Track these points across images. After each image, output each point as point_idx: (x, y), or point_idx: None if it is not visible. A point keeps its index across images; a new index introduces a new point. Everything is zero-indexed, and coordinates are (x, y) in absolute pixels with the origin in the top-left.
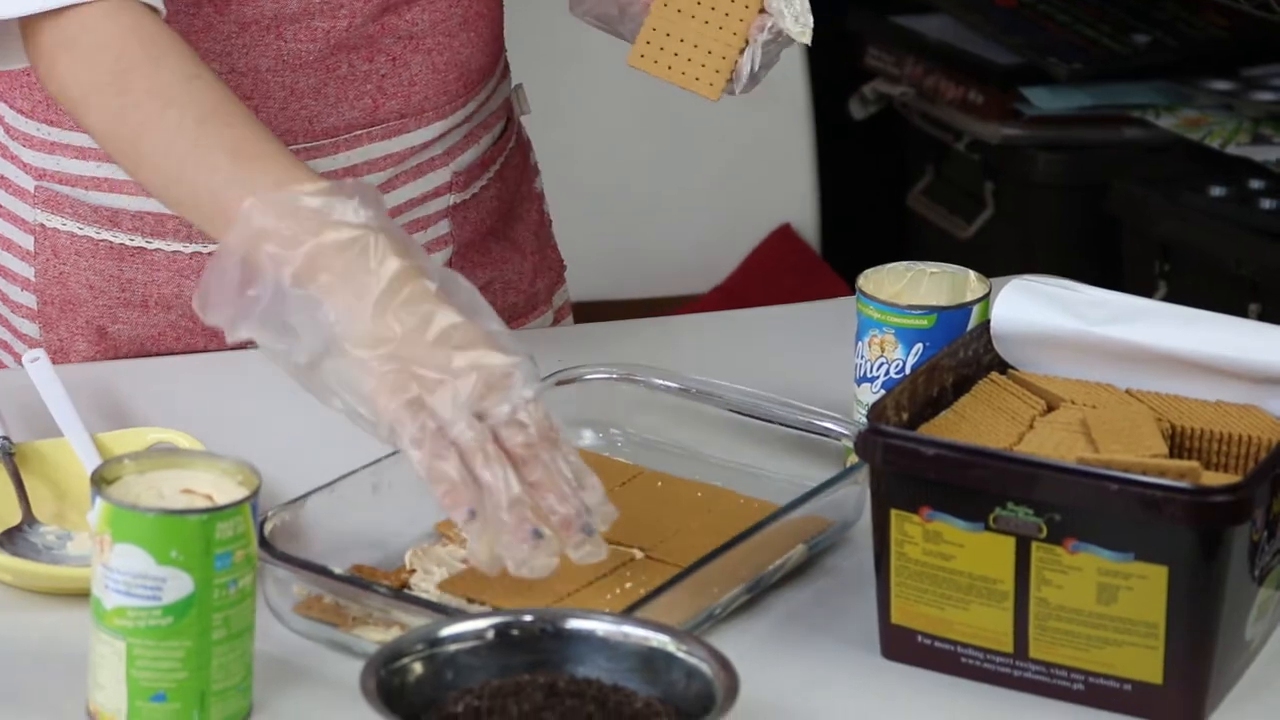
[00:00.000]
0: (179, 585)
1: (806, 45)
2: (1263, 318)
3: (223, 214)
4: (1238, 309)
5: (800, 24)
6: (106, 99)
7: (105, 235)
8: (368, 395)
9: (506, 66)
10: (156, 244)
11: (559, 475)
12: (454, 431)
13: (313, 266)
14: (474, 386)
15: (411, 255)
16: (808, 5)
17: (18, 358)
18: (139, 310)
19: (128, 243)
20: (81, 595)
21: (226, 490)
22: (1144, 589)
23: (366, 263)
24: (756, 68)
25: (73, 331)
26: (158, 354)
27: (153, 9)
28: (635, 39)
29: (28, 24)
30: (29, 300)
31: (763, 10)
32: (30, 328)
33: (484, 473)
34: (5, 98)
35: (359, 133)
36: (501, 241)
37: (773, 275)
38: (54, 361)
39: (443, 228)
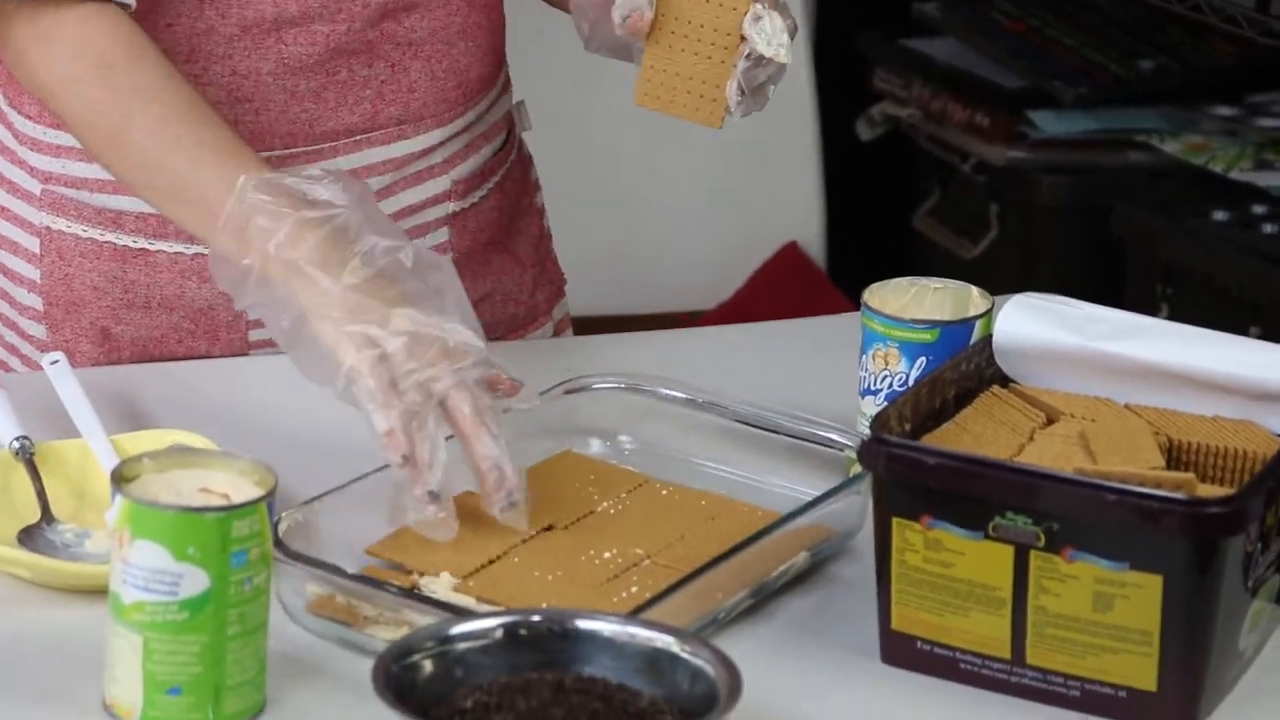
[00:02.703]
0: (195, 581)
1: (786, 63)
2: (1266, 340)
3: (205, 203)
4: (1239, 332)
5: (773, 46)
6: (89, 91)
7: (109, 237)
8: (331, 350)
9: (508, 81)
10: (159, 245)
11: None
12: (403, 385)
13: (294, 239)
14: (433, 350)
15: (389, 236)
16: (780, 26)
17: (26, 360)
18: (142, 311)
19: (130, 245)
20: (99, 591)
21: (243, 489)
22: (1140, 598)
23: (345, 237)
24: (746, 91)
25: (77, 333)
26: (161, 355)
27: (124, 6)
28: (637, 78)
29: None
30: (35, 302)
31: (744, 37)
32: (37, 329)
33: (420, 431)
34: (15, 103)
35: (359, 137)
36: (502, 254)
37: (779, 293)
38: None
39: (441, 235)
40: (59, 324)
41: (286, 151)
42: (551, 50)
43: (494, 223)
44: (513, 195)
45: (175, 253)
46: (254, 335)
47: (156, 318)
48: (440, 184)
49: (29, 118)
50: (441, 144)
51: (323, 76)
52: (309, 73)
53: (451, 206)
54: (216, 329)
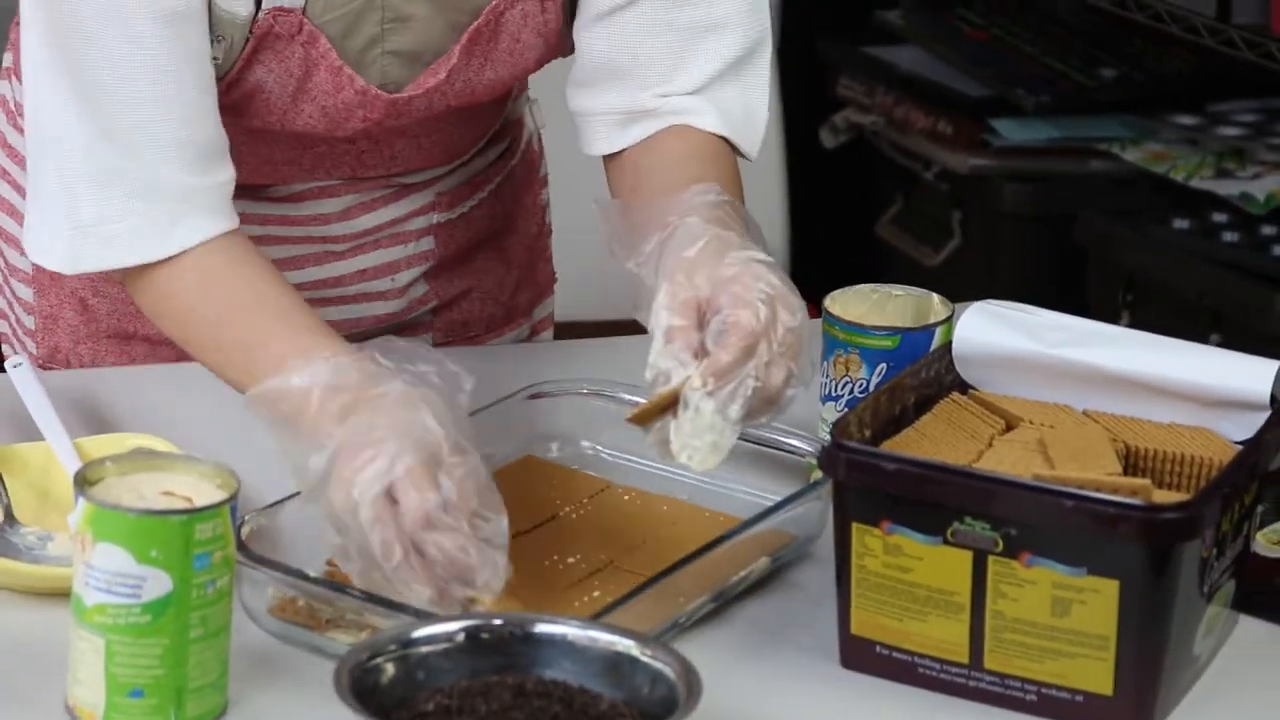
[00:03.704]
0: (158, 584)
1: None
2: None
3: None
4: (1199, 339)
5: (686, 449)
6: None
7: None
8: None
9: (523, 84)
10: None
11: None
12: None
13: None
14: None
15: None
16: (704, 424)
17: (16, 323)
18: (118, 286)
19: None
20: (61, 594)
21: (206, 493)
22: (1096, 603)
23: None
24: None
25: (61, 299)
26: (137, 332)
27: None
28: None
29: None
30: (25, 265)
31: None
32: (25, 291)
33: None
34: (20, 74)
35: (335, 183)
36: (489, 252)
37: None
38: (43, 327)
39: (426, 244)
40: (45, 289)
41: (255, 196)
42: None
43: (485, 229)
44: (510, 198)
45: None
46: None
47: (127, 294)
48: (423, 197)
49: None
50: (426, 181)
51: (298, 148)
52: (283, 145)
53: (436, 217)
54: None
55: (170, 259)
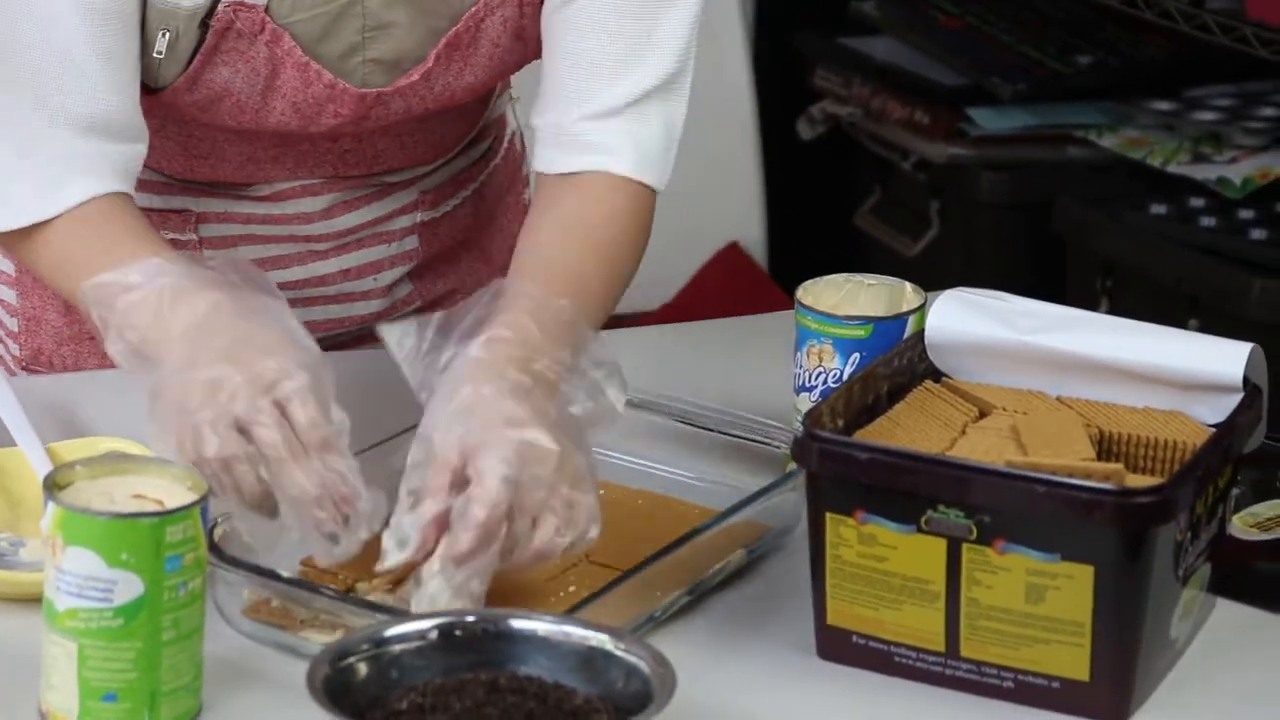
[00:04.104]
0: (129, 587)
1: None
2: (1202, 333)
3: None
4: (1178, 325)
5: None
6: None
7: None
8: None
9: (506, 83)
10: None
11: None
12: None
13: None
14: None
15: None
16: (440, 588)
17: (4, 348)
18: None
19: None
20: (34, 600)
21: (177, 495)
22: (1071, 588)
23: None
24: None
25: (45, 301)
26: None
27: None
28: None
29: None
30: (8, 267)
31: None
32: (9, 294)
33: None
34: None
35: (317, 182)
36: (472, 251)
37: (720, 293)
38: (26, 329)
39: (410, 243)
40: (28, 291)
41: (236, 195)
42: None
43: (467, 227)
44: (493, 197)
45: None
46: None
47: (20, 261)
48: (408, 195)
49: None
50: (410, 180)
51: (282, 147)
52: (267, 142)
53: (420, 216)
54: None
55: (58, 217)
